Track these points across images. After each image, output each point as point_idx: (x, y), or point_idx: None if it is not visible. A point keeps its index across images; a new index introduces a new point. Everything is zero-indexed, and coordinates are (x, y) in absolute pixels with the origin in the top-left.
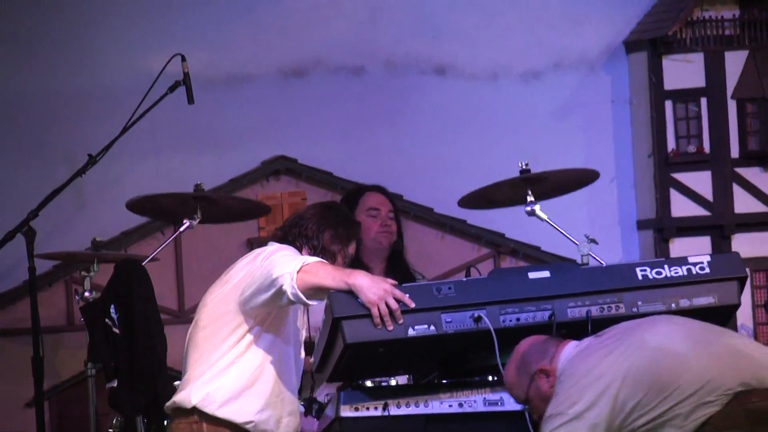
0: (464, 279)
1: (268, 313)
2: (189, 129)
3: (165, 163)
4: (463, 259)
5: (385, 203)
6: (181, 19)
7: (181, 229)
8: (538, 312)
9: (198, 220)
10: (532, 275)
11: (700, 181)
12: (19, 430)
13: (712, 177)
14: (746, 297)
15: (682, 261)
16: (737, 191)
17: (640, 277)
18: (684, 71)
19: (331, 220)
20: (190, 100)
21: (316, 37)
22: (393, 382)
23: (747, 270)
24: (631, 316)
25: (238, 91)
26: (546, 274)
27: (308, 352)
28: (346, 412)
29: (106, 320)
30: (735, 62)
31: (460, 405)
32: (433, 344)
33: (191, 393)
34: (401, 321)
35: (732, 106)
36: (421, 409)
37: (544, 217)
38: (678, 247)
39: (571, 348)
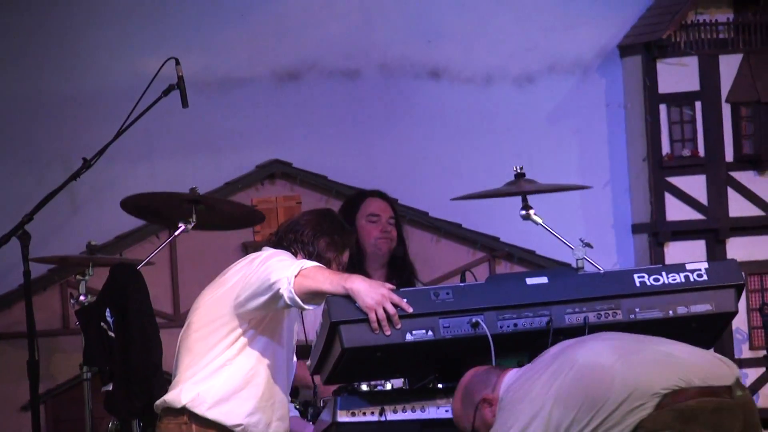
0: (461, 284)
1: (263, 316)
2: (183, 133)
3: (160, 167)
4: (458, 263)
5: (385, 209)
6: (175, 22)
7: (176, 233)
8: (535, 318)
9: (193, 224)
10: (529, 281)
11: (695, 185)
12: None
13: (707, 181)
14: (741, 301)
15: (679, 268)
16: (732, 195)
17: (637, 284)
18: (678, 75)
19: (327, 227)
20: (185, 103)
21: (310, 41)
22: (388, 386)
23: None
24: (628, 322)
25: (232, 95)
26: (544, 279)
27: (300, 356)
28: (343, 417)
29: (102, 324)
30: (729, 66)
31: None
32: (430, 349)
33: (182, 393)
34: (399, 326)
35: (726, 110)
36: (418, 415)
37: (539, 221)
38: (673, 251)
39: (512, 375)
